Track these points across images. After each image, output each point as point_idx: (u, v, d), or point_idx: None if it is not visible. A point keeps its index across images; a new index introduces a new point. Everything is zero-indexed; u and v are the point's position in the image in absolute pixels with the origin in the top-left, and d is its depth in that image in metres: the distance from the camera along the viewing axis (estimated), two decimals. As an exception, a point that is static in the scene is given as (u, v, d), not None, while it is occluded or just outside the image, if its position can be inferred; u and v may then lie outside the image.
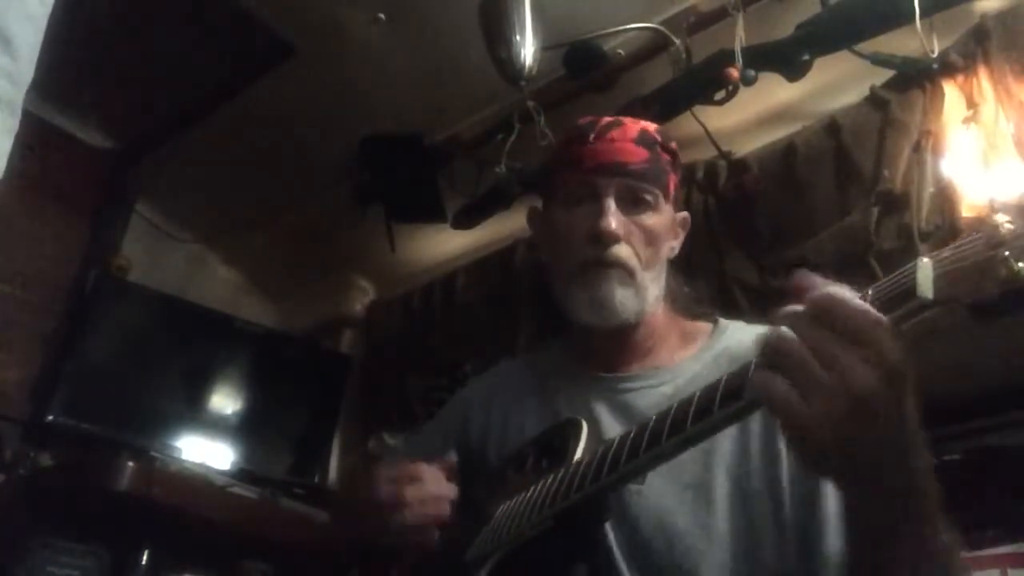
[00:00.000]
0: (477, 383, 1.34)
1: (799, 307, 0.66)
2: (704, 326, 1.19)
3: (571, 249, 1.14)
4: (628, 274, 1.11)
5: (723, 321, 1.18)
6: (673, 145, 1.19)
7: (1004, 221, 0.59)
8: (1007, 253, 0.58)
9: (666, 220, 1.17)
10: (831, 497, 0.90)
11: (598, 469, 0.85)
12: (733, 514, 0.96)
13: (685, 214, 1.24)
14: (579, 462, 0.91)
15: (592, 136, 1.15)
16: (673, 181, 1.19)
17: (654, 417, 0.81)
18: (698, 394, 0.76)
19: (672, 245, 1.20)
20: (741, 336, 1.13)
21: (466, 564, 0.99)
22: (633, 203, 1.14)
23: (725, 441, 0.98)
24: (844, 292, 0.65)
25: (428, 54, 2.13)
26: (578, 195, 1.15)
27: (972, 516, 1.41)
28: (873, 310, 0.64)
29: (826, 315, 0.64)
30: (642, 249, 1.13)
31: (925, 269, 0.63)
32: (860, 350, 0.63)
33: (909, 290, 0.63)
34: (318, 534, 2.09)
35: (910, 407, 0.66)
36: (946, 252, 0.63)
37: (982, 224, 0.61)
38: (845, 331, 0.63)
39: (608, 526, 0.96)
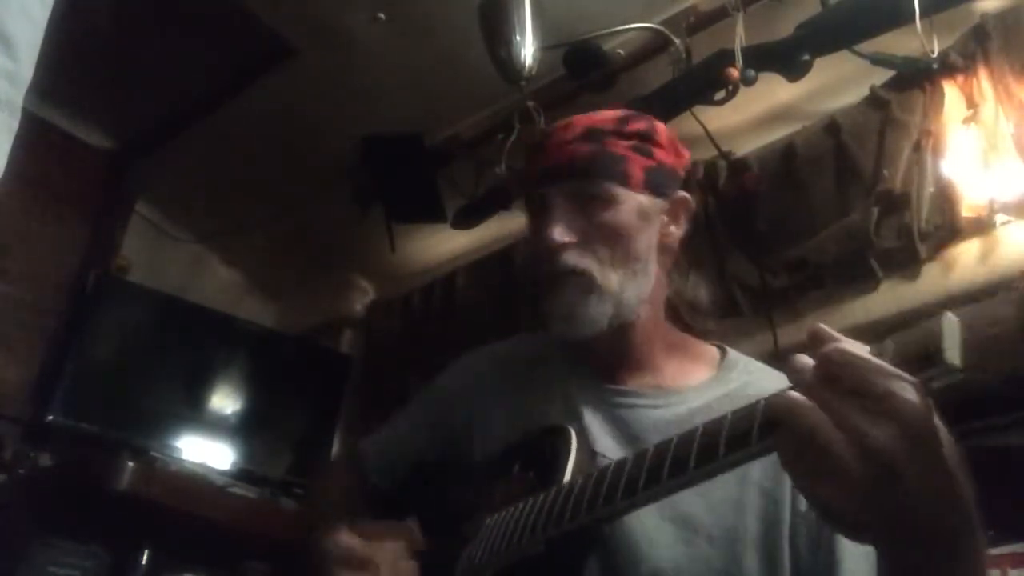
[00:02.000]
0: (456, 373, 1.28)
1: (808, 364, 0.62)
2: (711, 351, 1.12)
3: (531, 265, 1.09)
4: (587, 280, 1.03)
5: (731, 353, 1.11)
6: (640, 125, 1.08)
7: None
8: None
9: (631, 211, 1.06)
10: (848, 560, 0.87)
11: (593, 498, 0.82)
12: (716, 558, 0.93)
13: (683, 195, 1.12)
14: (572, 485, 0.87)
15: (543, 142, 1.10)
16: (639, 164, 1.07)
17: (652, 449, 0.77)
18: (700, 432, 0.71)
19: (663, 228, 1.10)
20: (754, 378, 1.05)
21: None
22: (586, 203, 1.05)
23: (720, 485, 0.90)
24: (851, 346, 0.60)
25: (428, 54, 2.13)
26: (533, 208, 1.10)
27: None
28: (878, 360, 0.59)
29: (833, 373, 0.60)
30: (602, 249, 1.04)
31: (952, 330, 0.57)
32: (871, 406, 0.57)
33: (935, 352, 0.57)
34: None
35: (943, 460, 0.59)
36: (973, 312, 0.58)
37: (1013, 288, 0.58)
38: (853, 387, 0.58)
39: (593, 557, 0.93)
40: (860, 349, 0.61)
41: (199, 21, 2.16)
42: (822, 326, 0.63)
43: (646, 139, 1.08)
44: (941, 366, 0.57)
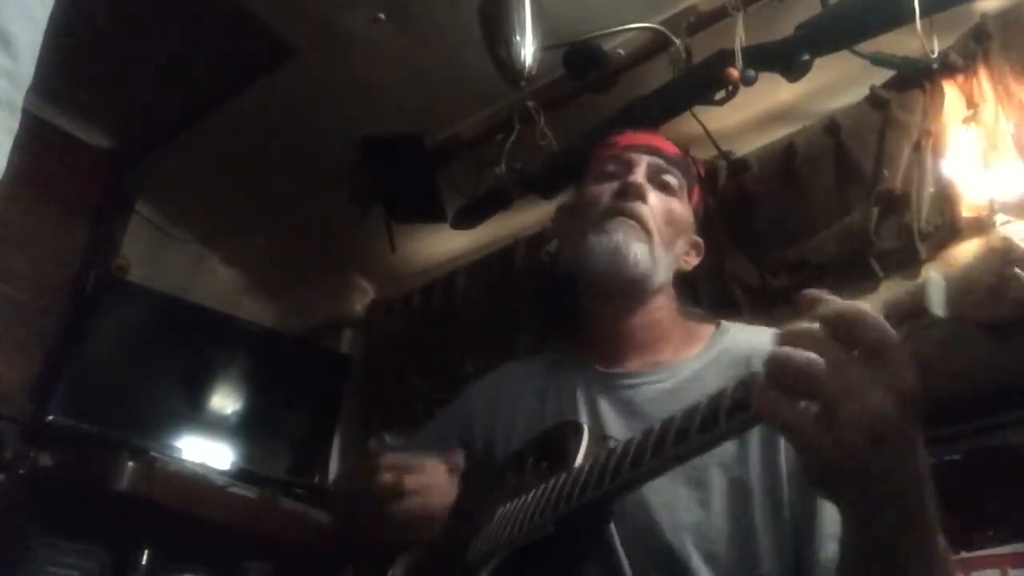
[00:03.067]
0: (481, 384, 1.34)
1: (812, 324, 0.64)
2: (707, 327, 1.21)
3: (596, 206, 1.19)
4: (645, 232, 1.16)
5: (725, 323, 1.20)
6: (701, 171, 1.30)
7: (1015, 240, 0.58)
8: (1020, 272, 0.57)
9: (685, 214, 1.22)
10: (828, 506, 0.90)
11: (600, 476, 0.85)
12: (730, 512, 0.97)
13: (701, 241, 1.29)
14: (581, 467, 0.90)
15: (632, 129, 1.27)
16: (696, 193, 1.26)
17: (658, 425, 0.79)
18: (703, 404, 0.74)
19: (686, 250, 1.25)
20: (741, 337, 1.14)
21: (467, 565, 0.98)
22: (660, 185, 1.21)
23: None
24: (862, 307, 0.63)
25: (428, 54, 2.13)
26: (610, 169, 1.22)
27: (972, 516, 1.41)
28: (890, 328, 0.61)
29: (844, 332, 0.62)
30: (661, 223, 1.18)
31: (937, 285, 0.61)
32: (876, 371, 0.60)
33: (921, 307, 0.61)
34: (318, 534, 2.09)
35: (917, 431, 0.64)
36: (957, 269, 0.61)
37: (993, 243, 0.60)
38: (863, 350, 0.61)
39: (612, 527, 0.96)
40: (863, 307, 0.63)
41: (199, 21, 2.16)
42: (814, 290, 0.67)
43: (702, 180, 1.31)
44: (927, 317, 0.61)
